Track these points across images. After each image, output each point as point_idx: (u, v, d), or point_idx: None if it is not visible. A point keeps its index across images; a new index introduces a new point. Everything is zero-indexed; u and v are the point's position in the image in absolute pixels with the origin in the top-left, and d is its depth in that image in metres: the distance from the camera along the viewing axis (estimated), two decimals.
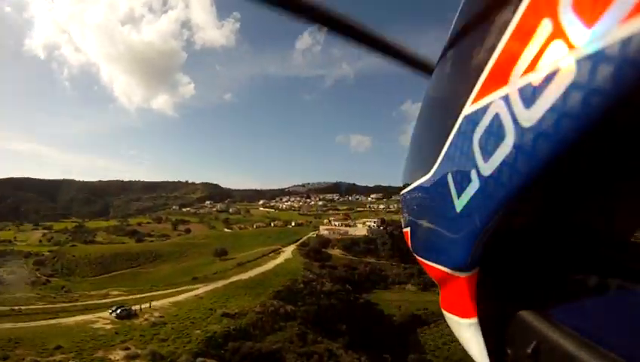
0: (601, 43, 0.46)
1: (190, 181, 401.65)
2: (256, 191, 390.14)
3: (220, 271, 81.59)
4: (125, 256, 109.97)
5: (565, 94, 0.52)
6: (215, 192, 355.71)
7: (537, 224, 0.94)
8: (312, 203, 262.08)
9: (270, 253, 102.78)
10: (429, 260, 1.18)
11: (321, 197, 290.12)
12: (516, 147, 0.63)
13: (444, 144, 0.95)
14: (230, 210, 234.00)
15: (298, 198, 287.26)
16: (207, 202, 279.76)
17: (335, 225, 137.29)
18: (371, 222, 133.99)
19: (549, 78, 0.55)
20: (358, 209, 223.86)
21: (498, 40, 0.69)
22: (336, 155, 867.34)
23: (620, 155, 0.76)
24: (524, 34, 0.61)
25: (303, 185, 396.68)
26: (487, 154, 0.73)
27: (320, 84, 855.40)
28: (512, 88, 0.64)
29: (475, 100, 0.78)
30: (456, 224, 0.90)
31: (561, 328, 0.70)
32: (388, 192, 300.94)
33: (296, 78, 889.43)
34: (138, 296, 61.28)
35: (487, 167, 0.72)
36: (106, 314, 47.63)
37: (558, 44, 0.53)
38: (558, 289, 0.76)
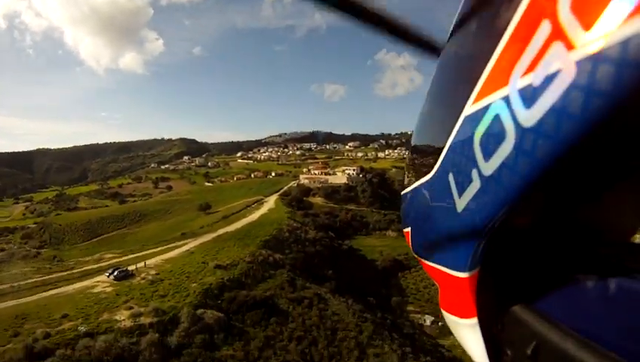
0: (601, 43, 0.46)
1: (166, 138, 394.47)
2: (233, 143, 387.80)
3: (207, 226, 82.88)
4: (111, 218, 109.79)
5: (565, 94, 0.52)
6: (192, 147, 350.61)
7: (538, 224, 0.94)
8: (290, 153, 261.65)
9: (253, 203, 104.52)
10: (429, 260, 1.19)
11: (299, 146, 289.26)
12: (517, 147, 0.63)
13: (444, 144, 0.95)
14: (209, 164, 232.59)
15: (276, 149, 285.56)
16: (185, 157, 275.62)
17: (315, 174, 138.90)
18: (351, 170, 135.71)
19: (549, 79, 0.55)
20: (337, 157, 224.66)
21: (498, 40, 0.69)
22: (311, 105, 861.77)
23: (619, 155, 0.76)
24: (525, 34, 0.61)
25: (280, 135, 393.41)
26: (487, 154, 0.72)
27: (291, 34, 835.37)
28: (512, 88, 0.64)
29: (476, 100, 0.77)
30: (456, 224, 0.90)
31: (561, 328, 0.70)
32: (365, 140, 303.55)
33: (265, 30, 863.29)
34: (131, 256, 62.06)
35: (488, 167, 0.72)
36: (103, 277, 48.34)
37: (558, 44, 0.53)
38: (559, 290, 0.76)
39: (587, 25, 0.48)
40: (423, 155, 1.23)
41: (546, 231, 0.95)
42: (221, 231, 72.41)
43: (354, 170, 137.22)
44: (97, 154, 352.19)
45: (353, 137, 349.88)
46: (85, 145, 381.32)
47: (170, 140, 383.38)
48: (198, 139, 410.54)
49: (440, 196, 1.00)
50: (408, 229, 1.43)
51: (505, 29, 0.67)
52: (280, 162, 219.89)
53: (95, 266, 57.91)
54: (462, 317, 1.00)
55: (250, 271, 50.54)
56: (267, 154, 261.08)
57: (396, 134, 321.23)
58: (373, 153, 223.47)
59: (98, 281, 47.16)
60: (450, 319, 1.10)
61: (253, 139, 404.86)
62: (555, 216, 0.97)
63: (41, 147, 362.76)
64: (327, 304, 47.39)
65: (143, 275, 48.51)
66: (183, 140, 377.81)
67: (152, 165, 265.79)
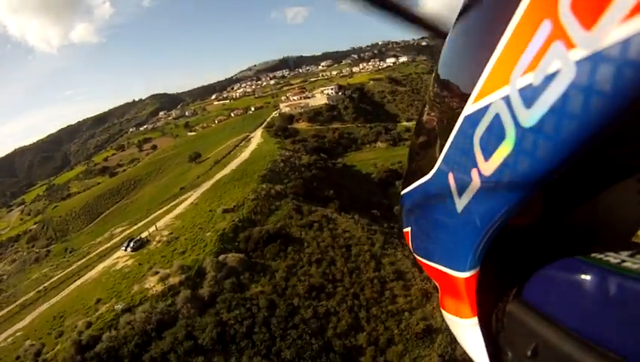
0: (601, 43, 0.46)
1: (137, 99, 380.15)
2: (204, 87, 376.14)
3: (202, 175, 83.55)
4: (107, 194, 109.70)
5: (566, 94, 0.52)
6: (165, 101, 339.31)
7: (538, 224, 0.95)
8: (265, 84, 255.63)
9: (241, 142, 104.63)
10: (429, 260, 1.19)
11: (272, 75, 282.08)
12: (517, 147, 0.63)
13: (444, 144, 0.94)
14: (187, 114, 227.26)
15: (249, 83, 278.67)
16: (161, 113, 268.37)
17: (294, 100, 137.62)
18: (329, 90, 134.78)
19: (549, 78, 0.55)
20: (312, 79, 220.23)
21: (498, 40, 0.69)
22: (275, 32, 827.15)
23: (620, 155, 0.77)
24: (525, 34, 0.61)
25: (250, 69, 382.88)
26: (487, 154, 0.72)
27: None
28: (512, 88, 0.64)
29: (476, 100, 0.77)
30: (456, 224, 0.90)
31: (561, 328, 0.70)
32: (337, 57, 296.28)
33: None
34: (140, 224, 63.04)
35: (488, 167, 0.72)
36: (120, 252, 49.22)
37: (558, 44, 0.53)
38: (559, 290, 0.76)
39: (587, 24, 0.48)
40: (422, 155, 1.23)
41: (546, 231, 0.95)
42: (218, 177, 73.04)
43: (332, 89, 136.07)
44: (74, 135, 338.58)
45: (325, 57, 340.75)
46: (60, 130, 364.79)
47: (141, 100, 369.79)
48: (169, 92, 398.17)
49: (440, 196, 1.00)
50: (408, 229, 1.45)
51: (505, 28, 0.67)
52: (256, 95, 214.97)
53: (109, 244, 59.04)
54: (462, 317, 1.00)
55: (257, 207, 51.88)
56: (242, 90, 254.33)
57: (367, 46, 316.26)
58: (347, 69, 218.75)
59: (117, 258, 48.21)
60: (451, 319, 1.10)
61: (224, 78, 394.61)
62: (556, 216, 0.96)
63: (17, 146, 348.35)
64: (336, 223, 49.24)
65: (157, 239, 49.64)
66: (154, 97, 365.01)
67: (131, 129, 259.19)
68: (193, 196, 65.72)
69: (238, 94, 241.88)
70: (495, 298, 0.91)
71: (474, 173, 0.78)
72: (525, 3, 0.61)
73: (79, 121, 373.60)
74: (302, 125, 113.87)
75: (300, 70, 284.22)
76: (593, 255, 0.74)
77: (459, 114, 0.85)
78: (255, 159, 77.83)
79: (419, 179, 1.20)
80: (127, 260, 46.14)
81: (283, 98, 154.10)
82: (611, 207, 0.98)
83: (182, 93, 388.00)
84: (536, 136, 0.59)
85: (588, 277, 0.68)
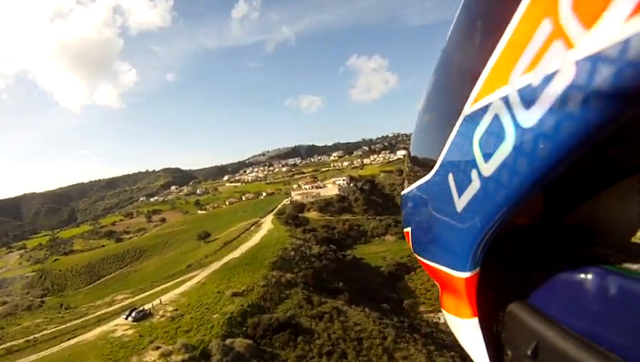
0: (601, 43, 0.46)
1: (150, 169, 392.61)
2: (217, 167, 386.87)
3: (210, 254, 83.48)
4: (111, 258, 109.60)
5: (565, 94, 0.52)
6: (177, 176, 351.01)
7: (538, 224, 0.96)
8: (277, 170, 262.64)
9: (251, 226, 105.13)
10: (429, 260, 1.18)
11: (284, 163, 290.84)
12: (516, 147, 0.63)
13: (444, 144, 0.94)
14: (198, 191, 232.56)
15: (261, 168, 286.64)
16: (173, 188, 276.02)
17: (306, 189, 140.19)
18: (341, 181, 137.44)
19: (549, 79, 0.55)
20: (323, 169, 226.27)
21: (498, 40, 0.68)
22: (289, 119, 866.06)
23: (620, 155, 0.77)
24: (525, 34, 0.60)
25: (263, 154, 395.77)
26: (487, 154, 0.72)
27: (262, 50, 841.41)
28: (512, 89, 0.64)
29: (476, 100, 0.76)
30: (456, 224, 0.90)
31: (562, 328, 0.70)
32: (348, 148, 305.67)
33: (236, 48, 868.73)
34: (143, 295, 62.24)
35: (488, 168, 0.72)
36: (121, 320, 48.29)
37: (558, 43, 0.53)
38: (559, 290, 0.75)
39: (587, 24, 0.48)
40: (422, 155, 1.22)
41: (546, 231, 0.96)
42: (227, 259, 72.95)
43: (343, 179, 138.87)
44: (84, 194, 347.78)
45: (336, 147, 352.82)
46: (71, 186, 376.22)
47: (154, 172, 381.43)
48: (182, 167, 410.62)
49: (440, 196, 1.00)
50: (408, 229, 1.44)
51: (505, 28, 0.66)
52: (268, 181, 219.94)
53: (109, 309, 58.00)
54: (462, 317, 1.01)
55: (267, 294, 51.44)
56: (254, 174, 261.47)
57: (378, 138, 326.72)
58: (358, 160, 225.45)
59: (117, 325, 47.16)
60: (451, 319, 1.11)
61: (237, 161, 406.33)
62: (555, 216, 0.98)
63: (27, 191, 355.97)
64: (347, 315, 48.52)
65: (161, 313, 48.71)
66: (167, 170, 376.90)
67: (141, 199, 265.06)
68: (201, 275, 65.19)
69: (250, 178, 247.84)
70: (495, 298, 0.92)
71: (474, 173, 0.78)
72: (525, 3, 0.61)
73: (91, 181, 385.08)
74: (312, 215, 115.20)
75: (312, 159, 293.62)
76: (593, 255, 0.74)
77: (458, 114, 0.85)
78: (265, 245, 78.10)
79: (419, 179, 1.20)
80: (127, 329, 45.00)
81: (295, 186, 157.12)
82: (611, 207, 0.99)
83: (195, 170, 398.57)
84: (535, 136, 0.58)
85: (588, 277, 0.68)
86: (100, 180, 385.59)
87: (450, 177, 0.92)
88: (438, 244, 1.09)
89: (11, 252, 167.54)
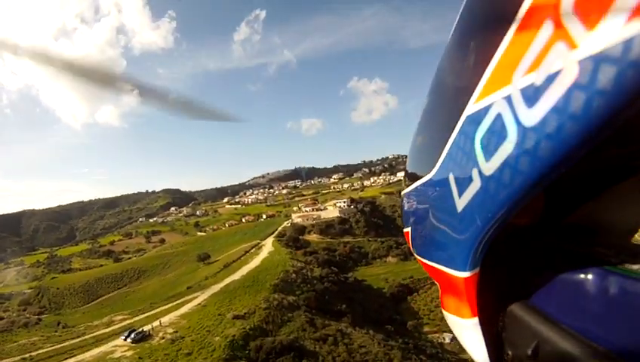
0: (603, 44, 0.47)
1: (150, 190, 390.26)
2: (217, 189, 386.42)
3: (211, 276, 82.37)
4: (109, 278, 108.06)
5: (567, 95, 0.52)
6: (177, 197, 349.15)
7: (538, 224, 0.96)
8: (277, 192, 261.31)
9: (251, 248, 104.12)
10: (429, 260, 1.19)
11: (284, 185, 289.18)
12: (518, 147, 0.63)
13: (445, 143, 0.94)
14: (198, 213, 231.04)
15: (261, 190, 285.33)
16: (172, 208, 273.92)
17: (306, 211, 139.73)
18: (341, 203, 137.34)
19: (551, 78, 0.55)
20: (324, 191, 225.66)
21: (500, 40, 0.69)
22: (289, 142, 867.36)
23: (621, 156, 0.78)
24: (527, 34, 0.61)
25: (263, 176, 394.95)
26: (488, 153, 0.73)
27: (263, 72, 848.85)
28: (514, 88, 0.64)
29: (478, 100, 0.77)
30: (457, 224, 0.90)
31: (562, 328, 0.70)
32: (348, 170, 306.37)
33: (237, 70, 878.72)
34: (142, 316, 61.02)
35: (489, 167, 0.72)
36: (119, 341, 47.14)
37: (560, 44, 0.53)
38: (559, 290, 0.76)
39: (589, 25, 0.49)
40: (424, 154, 1.22)
41: (547, 231, 0.96)
42: (228, 281, 71.83)
43: (344, 202, 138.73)
44: (84, 212, 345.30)
45: (336, 169, 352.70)
46: (71, 204, 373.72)
47: (154, 192, 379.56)
48: (182, 188, 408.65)
49: (440, 195, 1.00)
50: (409, 229, 1.44)
51: (507, 28, 0.67)
52: (268, 203, 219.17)
53: (108, 330, 56.65)
54: (462, 316, 1.00)
55: (269, 316, 50.42)
56: (254, 196, 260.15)
57: (378, 160, 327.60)
58: (359, 183, 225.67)
59: (115, 346, 45.98)
60: (451, 319, 1.11)
61: (237, 183, 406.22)
62: (556, 216, 0.97)
63: (26, 208, 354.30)
64: (351, 338, 47.49)
65: (161, 334, 47.60)
66: (167, 191, 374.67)
67: (140, 219, 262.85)
68: (201, 297, 64.03)
69: (250, 200, 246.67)
70: (496, 298, 0.91)
71: (475, 172, 0.78)
72: (527, 3, 0.61)
73: (91, 200, 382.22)
74: (313, 237, 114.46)
75: (312, 181, 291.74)
76: (594, 255, 0.74)
77: (460, 113, 0.85)
78: (266, 267, 77.12)
79: (420, 178, 1.20)
80: (126, 350, 43.79)
81: (295, 208, 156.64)
82: (612, 207, 0.98)
83: (194, 191, 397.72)
84: (537, 136, 0.59)
85: (588, 277, 0.68)
86: (99, 199, 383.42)
87: (451, 176, 0.91)
88: (438, 244, 1.08)
89: (9, 268, 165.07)
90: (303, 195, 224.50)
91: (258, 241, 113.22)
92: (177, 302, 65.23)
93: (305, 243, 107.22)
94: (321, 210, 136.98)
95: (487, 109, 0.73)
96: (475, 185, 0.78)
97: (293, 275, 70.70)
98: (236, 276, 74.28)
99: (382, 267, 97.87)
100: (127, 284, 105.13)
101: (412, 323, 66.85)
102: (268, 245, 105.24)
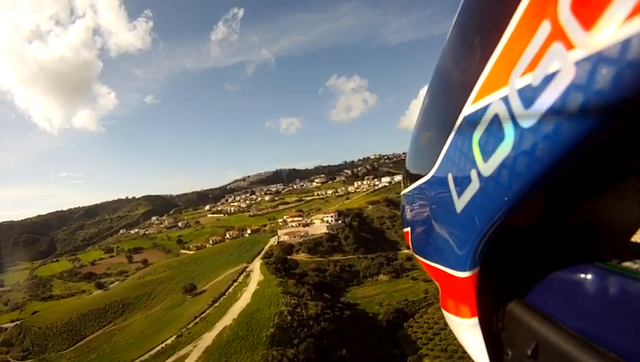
0: (600, 43, 0.46)
1: (130, 196, 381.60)
2: (198, 193, 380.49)
3: (199, 316, 79.05)
4: (92, 314, 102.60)
5: (565, 95, 0.52)
6: (158, 203, 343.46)
7: (537, 224, 0.95)
8: (259, 199, 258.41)
9: (239, 276, 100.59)
10: (429, 260, 1.18)
11: (266, 190, 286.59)
12: (516, 147, 0.63)
13: (444, 144, 0.94)
14: (180, 224, 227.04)
15: (243, 196, 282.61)
16: (154, 218, 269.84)
17: (292, 227, 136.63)
18: (329, 217, 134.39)
19: (548, 79, 0.55)
20: (307, 198, 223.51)
21: (498, 40, 0.69)
22: (269, 141, 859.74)
23: (619, 156, 0.75)
24: (524, 34, 0.61)
25: (244, 179, 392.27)
26: (486, 154, 0.72)
27: (241, 72, 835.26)
28: (511, 88, 0.64)
29: (475, 100, 0.77)
30: (456, 224, 0.90)
31: (561, 328, 0.70)
32: (330, 172, 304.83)
33: (215, 70, 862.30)
34: None
35: (487, 168, 0.72)
36: None
37: (557, 44, 0.53)
38: (559, 290, 0.76)
39: (587, 25, 0.48)
40: (422, 154, 1.20)
41: (546, 231, 0.95)
42: (219, 326, 68.82)
43: (332, 216, 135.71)
44: (63, 222, 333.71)
45: (317, 170, 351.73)
46: (50, 213, 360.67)
47: (134, 199, 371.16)
48: (162, 192, 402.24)
49: (439, 196, 1.00)
50: (408, 229, 1.42)
51: (505, 28, 0.67)
52: (252, 213, 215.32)
53: None
54: (462, 316, 1.00)
55: None
56: (236, 204, 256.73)
57: (359, 160, 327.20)
58: (342, 188, 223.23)
59: None
60: (451, 319, 1.10)
61: (218, 186, 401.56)
62: (555, 216, 0.96)
63: (4, 219, 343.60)
64: None
65: None
66: (147, 198, 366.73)
67: (122, 231, 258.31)
68: (194, 354, 60.97)
69: (232, 209, 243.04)
70: (495, 297, 0.91)
71: (473, 173, 0.78)
72: (525, 3, 0.61)
73: (70, 209, 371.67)
74: (302, 256, 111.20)
75: (295, 186, 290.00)
76: (593, 254, 0.74)
77: (458, 114, 0.85)
78: (258, 307, 73.78)
79: (418, 179, 1.20)
80: None
81: (280, 222, 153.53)
82: (611, 207, 0.98)
83: (175, 196, 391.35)
84: (535, 136, 0.59)
85: (588, 277, 0.68)
86: (79, 208, 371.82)
87: (450, 177, 0.91)
88: (437, 244, 1.09)
89: None
90: (287, 203, 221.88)
91: (245, 265, 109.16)
92: (168, 361, 61.97)
93: (293, 263, 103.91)
94: (308, 225, 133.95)
95: (484, 110, 0.73)
96: (474, 185, 0.78)
97: (289, 318, 67.80)
98: (227, 319, 71.26)
99: (374, 286, 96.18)
100: (111, 321, 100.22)
101: (412, 358, 65.29)
102: (256, 271, 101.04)
